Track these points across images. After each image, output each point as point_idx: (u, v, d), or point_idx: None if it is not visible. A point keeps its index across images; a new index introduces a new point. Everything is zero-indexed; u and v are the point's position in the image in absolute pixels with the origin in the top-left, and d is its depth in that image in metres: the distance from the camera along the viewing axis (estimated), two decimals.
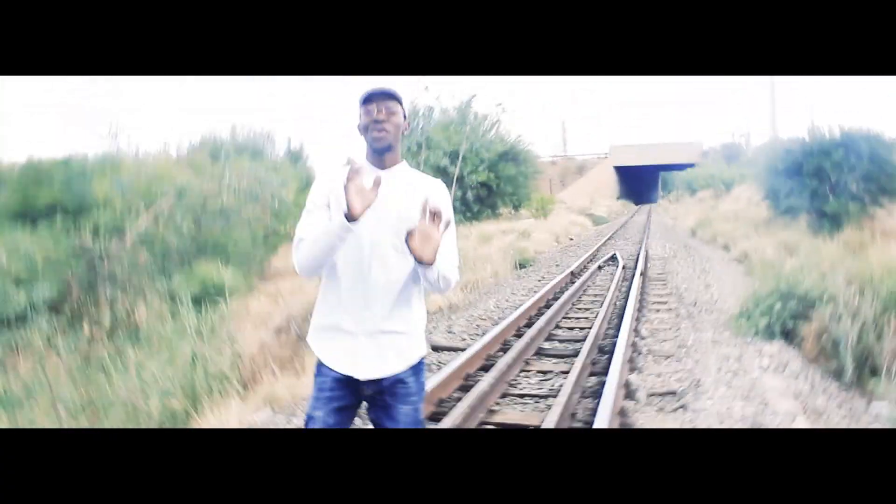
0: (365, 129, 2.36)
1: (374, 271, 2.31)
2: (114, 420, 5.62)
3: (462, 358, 5.82)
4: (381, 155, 2.37)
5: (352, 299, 2.32)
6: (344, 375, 2.33)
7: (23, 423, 5.17)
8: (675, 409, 4.92)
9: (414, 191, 2.36)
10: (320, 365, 2.39)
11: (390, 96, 2.34)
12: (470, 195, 25.77)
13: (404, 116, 2.41)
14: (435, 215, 2.17)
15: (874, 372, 5.42)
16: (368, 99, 2.34)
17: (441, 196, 2.40)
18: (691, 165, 61.01)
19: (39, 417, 5.18)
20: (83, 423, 5.71)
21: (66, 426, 5.30)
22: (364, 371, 2.32)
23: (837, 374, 5.71)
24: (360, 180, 2.14)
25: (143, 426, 5.56)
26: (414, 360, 2.40)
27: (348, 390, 2.35)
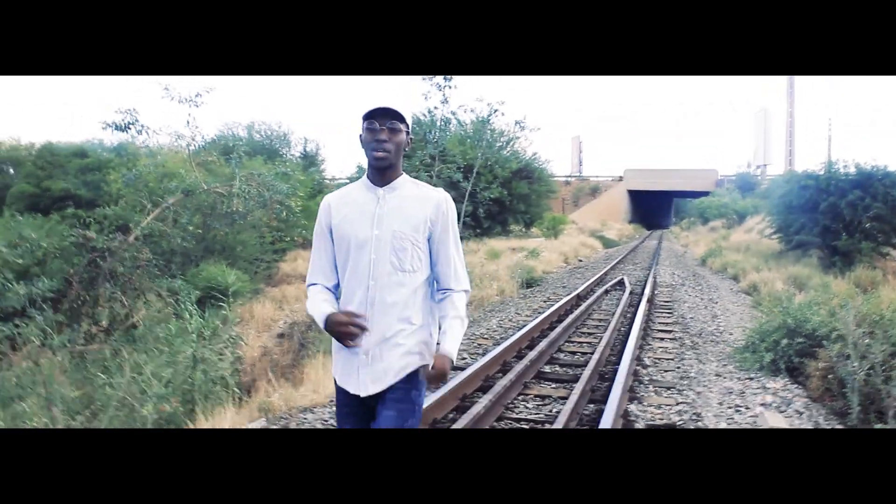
0: (367, 145, 2.32)
1: (371, 292, 2.31)
2: (109, 421, 5.55)
3: (459, 378, 5.73)
4: (380, 172, 2.35)
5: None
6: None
7: (14, 419, 5.11)
8: None
9: (413, 205, 2.34)
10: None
11: (394, 114, 2.28)
12: (481, 211, 25.72)
13: (407, 132, 2.35)
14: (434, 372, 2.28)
15: (880, 415, 5.30)
16: (371, 115, 2.29)
17: (442, 209, 2.36)
18: (706, 194, 60.91)
19: (33, 415, 5.12)
20: (77, 423, 5.64)
21: (59, 425, 5.24)
22: (364, 388, 2.35)
23: (842, 415, 5.60)
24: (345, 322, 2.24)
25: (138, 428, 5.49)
26: (409, 371, 2.36)
27: (357, 402, 2.39)
